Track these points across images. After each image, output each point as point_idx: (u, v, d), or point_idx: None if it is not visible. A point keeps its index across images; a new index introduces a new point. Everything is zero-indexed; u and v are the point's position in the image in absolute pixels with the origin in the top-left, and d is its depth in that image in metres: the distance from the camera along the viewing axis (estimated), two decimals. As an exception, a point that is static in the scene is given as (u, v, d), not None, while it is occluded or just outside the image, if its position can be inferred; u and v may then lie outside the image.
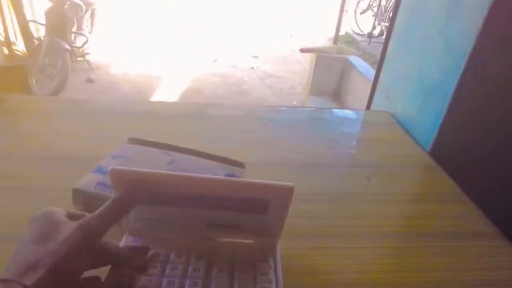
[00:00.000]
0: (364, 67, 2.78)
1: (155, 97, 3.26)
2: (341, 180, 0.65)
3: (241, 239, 0.44)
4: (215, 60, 4.20)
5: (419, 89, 0.80)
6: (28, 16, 3.35)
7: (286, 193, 0.38)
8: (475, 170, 0.74)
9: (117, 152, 0.58)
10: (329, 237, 0.52)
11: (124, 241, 0.43)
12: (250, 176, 0.57)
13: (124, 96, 3.25)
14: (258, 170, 0.59)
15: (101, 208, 0.36)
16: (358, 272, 0.47)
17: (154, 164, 0.55)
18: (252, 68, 4.10)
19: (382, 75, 0.95)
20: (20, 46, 3.28)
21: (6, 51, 2.97)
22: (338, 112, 0.95)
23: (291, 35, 5.48)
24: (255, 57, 4.42)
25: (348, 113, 0.92)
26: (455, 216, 0.58)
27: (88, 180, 0.52)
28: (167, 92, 3.37)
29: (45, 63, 3.00)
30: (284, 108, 0.89)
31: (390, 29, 0.91)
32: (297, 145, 0.73)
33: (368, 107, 0.99)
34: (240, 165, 0.58)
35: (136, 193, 0.37)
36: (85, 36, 3.44)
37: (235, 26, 5.49)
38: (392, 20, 0.91)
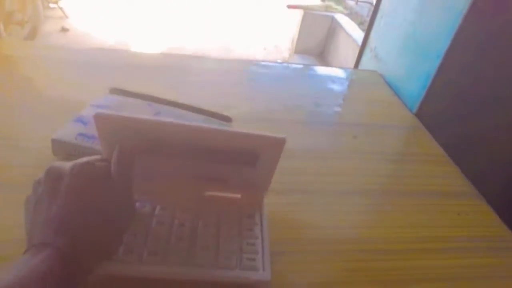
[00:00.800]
0: (351, 27, 2.73)
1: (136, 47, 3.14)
2: (327, 137, 0.65)
3: (228, 193, 0.43)
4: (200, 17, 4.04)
5: (410, 49, 0.79)
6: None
7: (277, 145, 0.37)
8: (458, 133, 0.75)
9: (98, 102, 0.55)
10: (314, 193, 0.52)
11: None
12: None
13: (102, 47, 3.11)
14: (244, 126, 0.57)
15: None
16: (342, 227, 0.47)
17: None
18: (236, 24, 3.97)
19: (372, 33, 0.93)
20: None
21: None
22: (326, 69, 0.93)
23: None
24: (239, 13, 4.26)
25: (336, 71, 0.91)
26: (436, 176, 0.59)
27: (68, 131, 0.50)
28: (147, 46, 3.24)
29: (13, 9, 2.80)
30: (270, 63, 0.86)
31: (383, -16, 0.88)
32: (283, 102, 0.72)
33: (356, 66, 0.98)
34: (226, 119, 0.57)
35: (132, 146, 0.35)
36: (58, -20, 3.23)
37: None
38: (386, -25, 0.88)
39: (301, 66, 0.92)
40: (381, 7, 0.89)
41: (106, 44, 3.15)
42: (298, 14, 2.94)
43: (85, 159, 0.34)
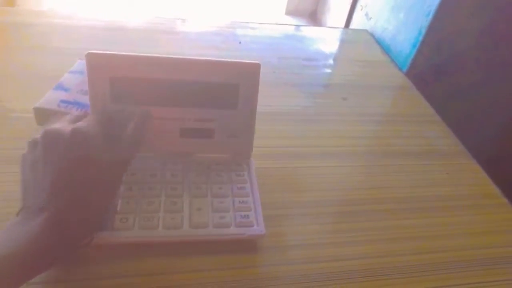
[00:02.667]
0: (342, -15, 2.63)
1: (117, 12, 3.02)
2: (316, 99, 0.64)
3: (216, 153, 0.43)
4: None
5: (401, 5, 0.77)
6: None
7: (253, 71, 0.39)
8: (450, 92, 0.75)
9: (76, 68, 0.53)
10: (302, 156, 0.52)
11: None
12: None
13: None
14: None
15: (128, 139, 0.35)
16: (330, 190, 0.48)
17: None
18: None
19: (363, -10, 0.90)
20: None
21: None
22: (315, 30, 0.90)
23: None
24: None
25: (325, 31, 0.88)
26: (427, 136, 0.59)
27: (50, 98, 0.48)
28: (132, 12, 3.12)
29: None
30: (259, 24, 0.84)
31: None
32: (272, 64, 0.70)
33: (347, 25, 0.95)
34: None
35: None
36: None
37: None
38: None
39: (290, 27, 0.89)
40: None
41: (89, 7, 3.03)
42: (288, -28, 2.82)
43: (79, 123, 0.33)
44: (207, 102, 0.40)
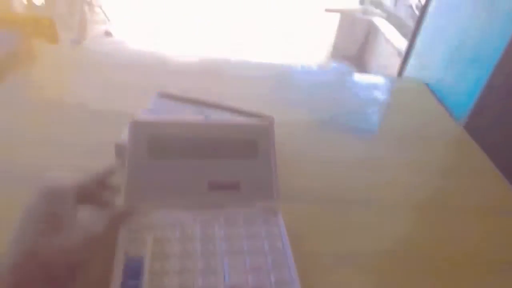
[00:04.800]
0: (390, 31, 2.67)
1: (174, 51, 3.19)
2: (368, 148, 0.63)
3: (243, 204, 0.43)
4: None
5: (458, 56, 0.77)
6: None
7: (268, 126, 0.45)
8: (509, 144, 0.72)
9: (151, 106, 0.57)
10: (347, 203, 0.51)
11: None
12: (279, 135, 0.55)
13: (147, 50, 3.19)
14: (286, 131, 0.57)
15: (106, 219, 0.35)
16: (378, 239, 0.47)
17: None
18: (269, 27, 3.95)
19: (418, 39, 0.91)
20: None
21: (24, 1, 2.90)
22: (368, 77, 0.92)
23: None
24: (271, 14, 4.23)
25: (378, 79, 0.89)
26: (485, 191, 0.57)
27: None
28: (185, 47, 3.30)
29: (61, 13, 2.94)
30: (310, 69, 0.86)
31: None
32: (323, 108, 0.71)
33: (400, 73, 0.96)
34: (270, 119, 0.57)
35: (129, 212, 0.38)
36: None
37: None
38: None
39: (342, 72, 0.91)
40: (428, 13, 0.87)
41: (145, 48, 3.23)
42: (335, 18, 2.91)
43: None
44: (230, 154, 0.44)
